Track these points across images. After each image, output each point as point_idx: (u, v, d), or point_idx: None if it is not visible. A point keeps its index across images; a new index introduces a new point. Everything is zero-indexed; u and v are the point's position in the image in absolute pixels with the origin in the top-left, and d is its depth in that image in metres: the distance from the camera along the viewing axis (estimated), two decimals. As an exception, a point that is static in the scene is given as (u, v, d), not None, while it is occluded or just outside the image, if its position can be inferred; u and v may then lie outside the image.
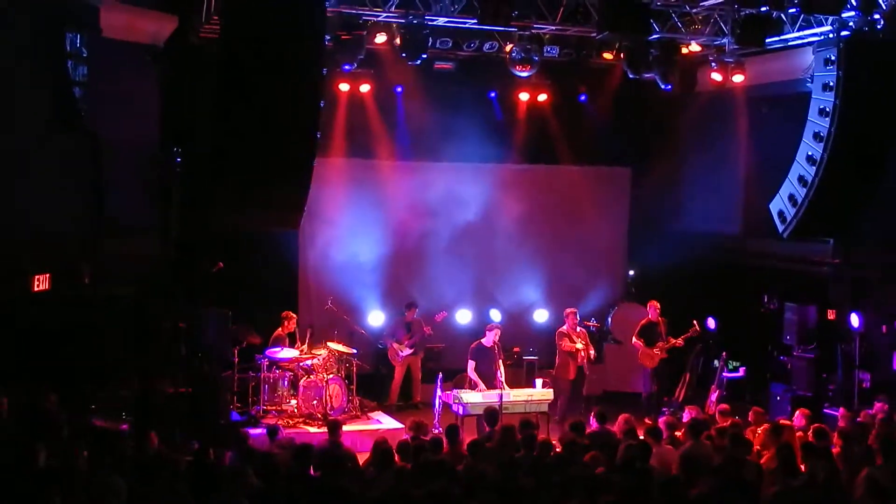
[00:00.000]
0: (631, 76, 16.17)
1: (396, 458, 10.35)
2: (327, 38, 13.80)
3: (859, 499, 8.91)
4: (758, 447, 11.49)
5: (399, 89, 18.21)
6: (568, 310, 16.85)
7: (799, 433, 11.84)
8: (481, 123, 18.33)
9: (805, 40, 15.41)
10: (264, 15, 12.74)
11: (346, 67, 15.23)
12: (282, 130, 13.17)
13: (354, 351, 16.23)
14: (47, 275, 12.71)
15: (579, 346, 16.49)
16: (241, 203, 13.76)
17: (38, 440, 9.97)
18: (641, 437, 11.23)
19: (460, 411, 14.66)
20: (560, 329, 16.80)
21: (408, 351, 17.08)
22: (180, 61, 15.60)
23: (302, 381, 15.53)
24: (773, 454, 10.61)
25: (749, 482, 9.17)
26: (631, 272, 20.48)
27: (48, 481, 8.40)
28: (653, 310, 16.91)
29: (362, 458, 11.08)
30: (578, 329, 16.70)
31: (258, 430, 14.05)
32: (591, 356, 16.69)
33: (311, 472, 9.92)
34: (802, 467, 10.15)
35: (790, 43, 15.75)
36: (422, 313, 17.42)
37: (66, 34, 13.50)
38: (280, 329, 16.16)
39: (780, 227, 15.43)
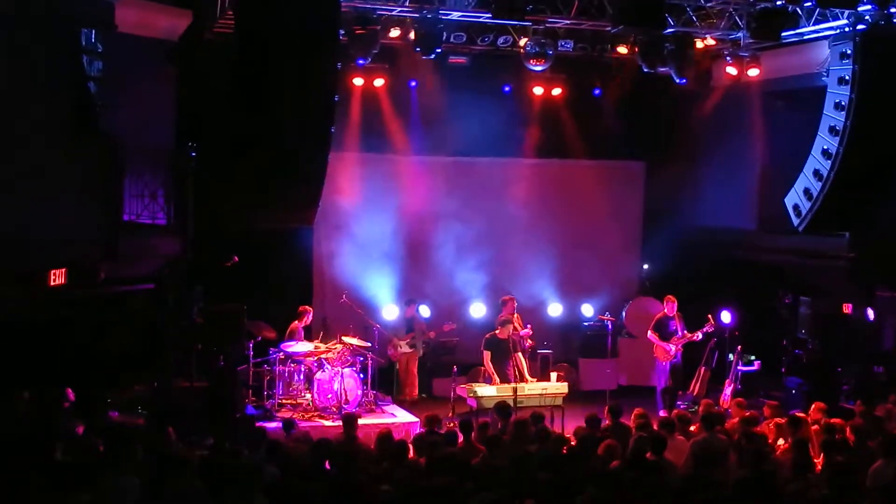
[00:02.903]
0: (645, 70, 16.13)
1: (411, 453, 10.40)
2: (341, 32, 13.80)
3: (871, 492, 8.90)
4: (772, 440, 11.50)
5: (413, 84, 18.23)
6: (506, 296, 16.58)
7: (814, 427, 11.84)
8: (495, 118, 18.29)
9: (821, 34, 15.36)
10: (278, 10, 12.78)
11: (361, 62, 15.25)
12: (296, 126, 13.20)
13: (369, 345, 16.26)
14: (63, 270, 12.75)
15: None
16: (257, 199, 13.82)
17: (55, 435, 10.06)
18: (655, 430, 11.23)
19: (475, 405, 14.68)
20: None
21: (406, 349, 17.08)
22: (195, 57, 15.64)
23: (317, 374, 15.57)
24: (788, 447, 10.61)
25: (768, 475, 9.16)
26: (645, 266, 20.46)
27: (64, 476, 8.47)
28: (669, 304, 16.86)
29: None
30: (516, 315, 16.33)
31: (273, 424, 14.12)
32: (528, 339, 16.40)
33: (327, 466, 9.98)
34: (818, 461, 10.15)
35: (805, 37, 15.69)
36: (434, 312, 17.40)
37: (81, 30, 13.55)
38: (297, 322, 16.20)
39: (796, 221, 15.41)
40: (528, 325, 16.34)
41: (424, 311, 17.72)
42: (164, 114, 15.51)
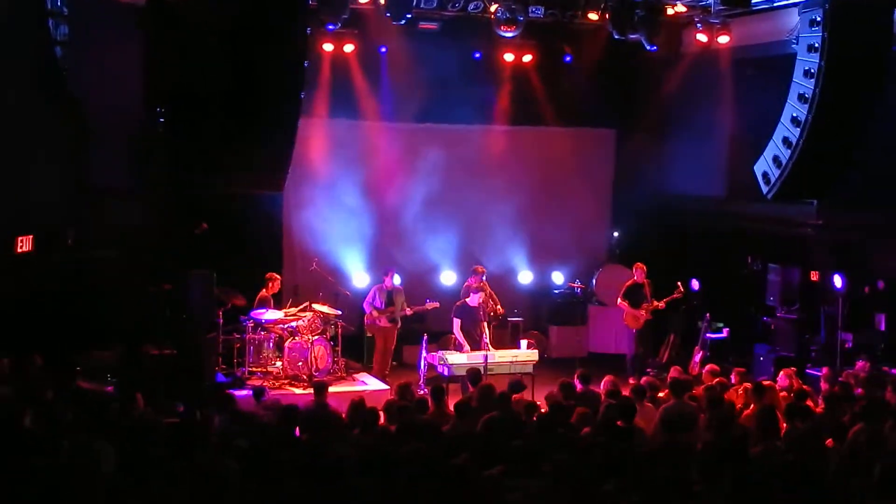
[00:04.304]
0: (616, 37, 16.09)
1: (382, 419, 10.41)
2: (311, -3, 13.71)
3: (841, 457, 8.99)
4: (740, 407, 11.59)
5: (383, 49, 18.10)
6: (478, 266, 16.54)
7: (782, 393, 11.94)
8: (466, 84, 18.26)
9: (790, 1, 15.37)
10: (247, -27, 12.66)
11: (330, 27, 15.13)
12: (265, 91, 13.11)
13: (339, 312, 16.23)
14: (30, 237, 12.63)
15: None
16: (225, 165, 13.73)
17: (24, 403, 9.97)
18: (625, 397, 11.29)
19: (445, 372, 14.70)
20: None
21: (386, 323, 16.56)
22: (162, 20, 15.43)
23: (287, 342, 15.54)
24: (755, 414, 10.69)
25: (736, 440, 9.23)
26: (615, 234, 20.52)
27: (33, 443, 8.41)
28: (639, 271, 16.94)
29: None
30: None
31: (243, 392, 14.10)
32: (499, 311, 16.42)
33: (297, 433, 9.97)
34: (784, 427, 10.23)
35: (776, 4, 15.72)
36: (404, 280, 17.07)
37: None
38: (264, 290, 16.13)
39: (765, 189, 15.47)
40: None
41: (396, 279, 17.56)
42: (131, 78, 15.30)
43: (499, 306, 16.25)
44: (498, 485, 7.73)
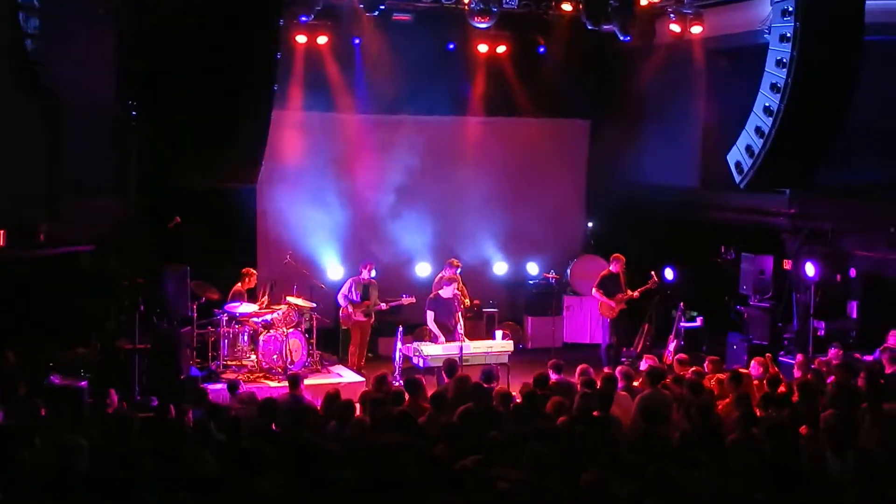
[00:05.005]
0: (590, 28, 16.13)
1: (358, 412, 10.40)
2: (284, -12, 13.65)
3: (815, 445, 9.05)
4: (716, 395, 11.64)
5: (357, 41, 18.01)
6: (453, 259, 16.46)
7: (755, 381, 12.02)
8: (440, 76, 18.23)
9: (763, -9, 15.43)
10: (219, -35, 12.59)
11: (303, 18, 15.13)
12: (238, 83, 13.05)
13: (314, 305, 16.18)
14: (2, 232, 12.54)
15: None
16: (198, 158, 13.66)
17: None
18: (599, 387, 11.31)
19: (421, 364, 14.71)
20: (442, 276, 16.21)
21: (361, 318, 16.47)
22: (134, 14, 15.33)
23: (262, 336, 15.49)
24: (731, 402, 10.75)
25: (713, 429, 9.30)
26: (589, 224, 20.57)
27: (6, 439, 8.35)
28: (616, 263, 16.90)
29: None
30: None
31: (218, 386, 14.05)
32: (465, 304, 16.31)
33: (274, 426, 9.95)
34: (758, 414, 10.29)
35: (748, -6, 15.78)
36: (379, 272, 16.90)
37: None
38: (239, 284, 16.07)
39: (738, 178, 15.54)
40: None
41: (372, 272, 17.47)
42: (103, 71, 15.19)
43: (467, 299, 16.24)
44: (475, 475, 7.73)
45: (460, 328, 15.31)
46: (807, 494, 7.70)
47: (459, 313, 15.50)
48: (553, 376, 11.97)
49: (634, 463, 7.99)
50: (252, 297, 16.20)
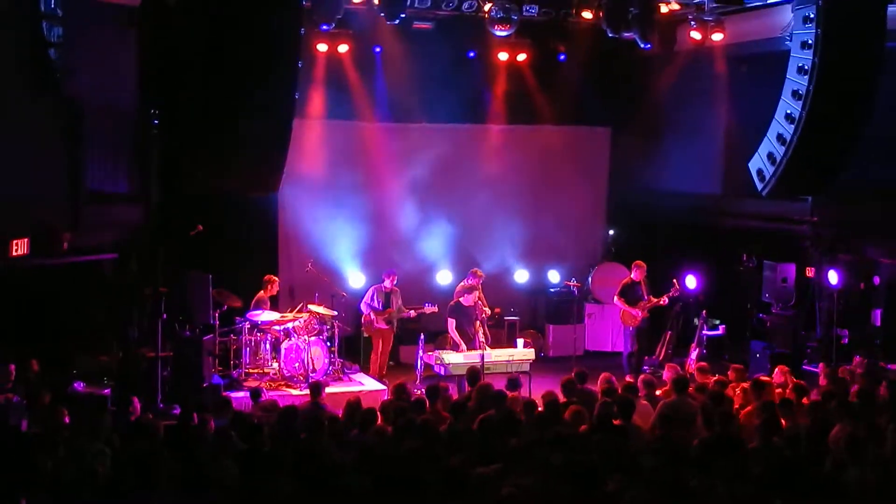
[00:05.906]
0: (610, 35, 16.11)
1: (379, 420, 10.40)
2: (305, -2, 13.71)
3: (837, 453, 9.00)
4: (739, 404, 11.58)
5: (378, 49, 18.06)
6: (476, 269, 16.36)
7: (778, 390, 11.95)
8: (460, 84, 18.25)
9: (784, -2, 15.39)
10: (240, -26, 12.65)
11: (324, 27, 15.14)
12: (260, 92, 13.09)
13: (335, 313, 16.21)
14: (25, 239, 12.62)
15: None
16: (220, 166, 13.70)
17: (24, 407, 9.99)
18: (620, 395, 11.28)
19: (442, 372, 14.71)
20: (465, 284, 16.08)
21: (383, 326, 16.52)
22: (157, 21, 15.42)
23: (283, 343, 15.53)
24: (754, 411, 10.70)
25: (734, 437, 9.26)
26: (611, 232, 20.53)
27: (30, 446, 8.41)
28: (638, 270, 16.82)
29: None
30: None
31: (241, 394, 14.09)
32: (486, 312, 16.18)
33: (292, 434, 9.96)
34: (782, 423, 10.24)
35: (769, 1, 15.73)
36: (400, 279, 16.89)
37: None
38: (262, 292, 16.10)
39: (759, 186, 15.48)
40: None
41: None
42: (126, 79, 15.29)
43: (486, 308, 16.18)
44: (495, 483, 7.73)
45: (481, 336, 15.29)
46: (826, 502, 7.67)
47: (479, 321, 15.48)
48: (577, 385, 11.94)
49: (652, 469, 7.97)
50: (275, 304, 16.24)
